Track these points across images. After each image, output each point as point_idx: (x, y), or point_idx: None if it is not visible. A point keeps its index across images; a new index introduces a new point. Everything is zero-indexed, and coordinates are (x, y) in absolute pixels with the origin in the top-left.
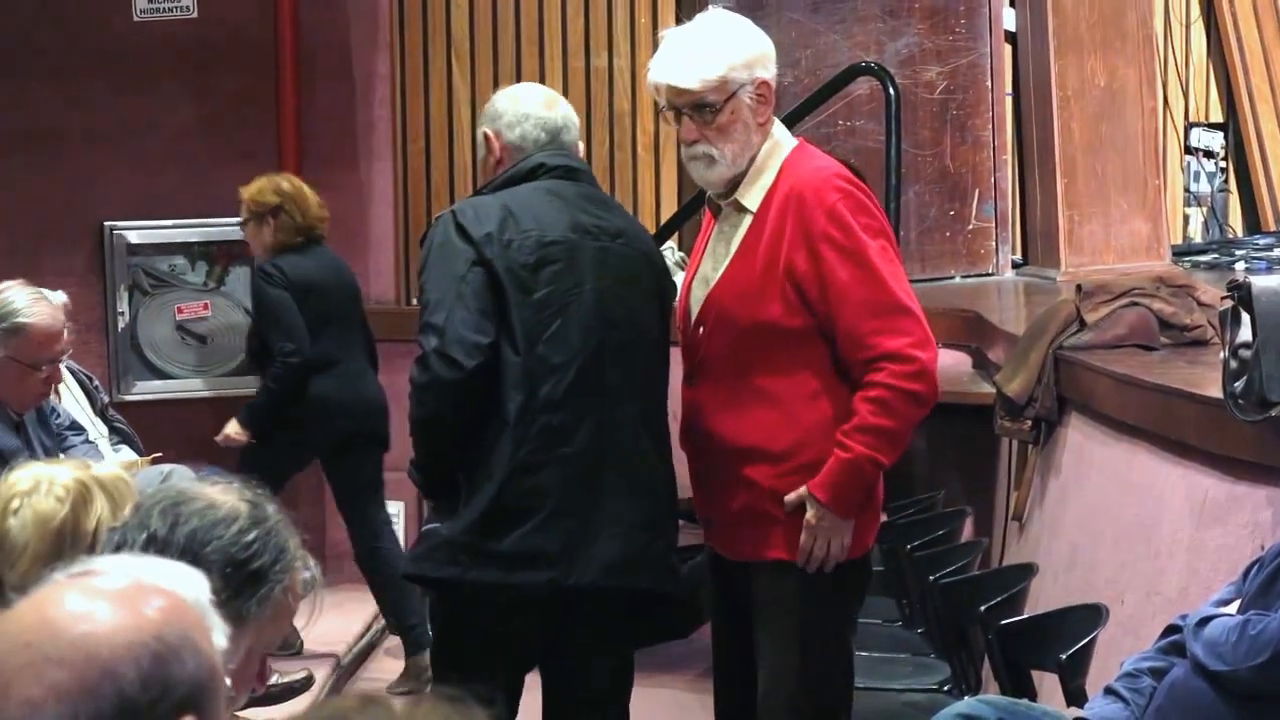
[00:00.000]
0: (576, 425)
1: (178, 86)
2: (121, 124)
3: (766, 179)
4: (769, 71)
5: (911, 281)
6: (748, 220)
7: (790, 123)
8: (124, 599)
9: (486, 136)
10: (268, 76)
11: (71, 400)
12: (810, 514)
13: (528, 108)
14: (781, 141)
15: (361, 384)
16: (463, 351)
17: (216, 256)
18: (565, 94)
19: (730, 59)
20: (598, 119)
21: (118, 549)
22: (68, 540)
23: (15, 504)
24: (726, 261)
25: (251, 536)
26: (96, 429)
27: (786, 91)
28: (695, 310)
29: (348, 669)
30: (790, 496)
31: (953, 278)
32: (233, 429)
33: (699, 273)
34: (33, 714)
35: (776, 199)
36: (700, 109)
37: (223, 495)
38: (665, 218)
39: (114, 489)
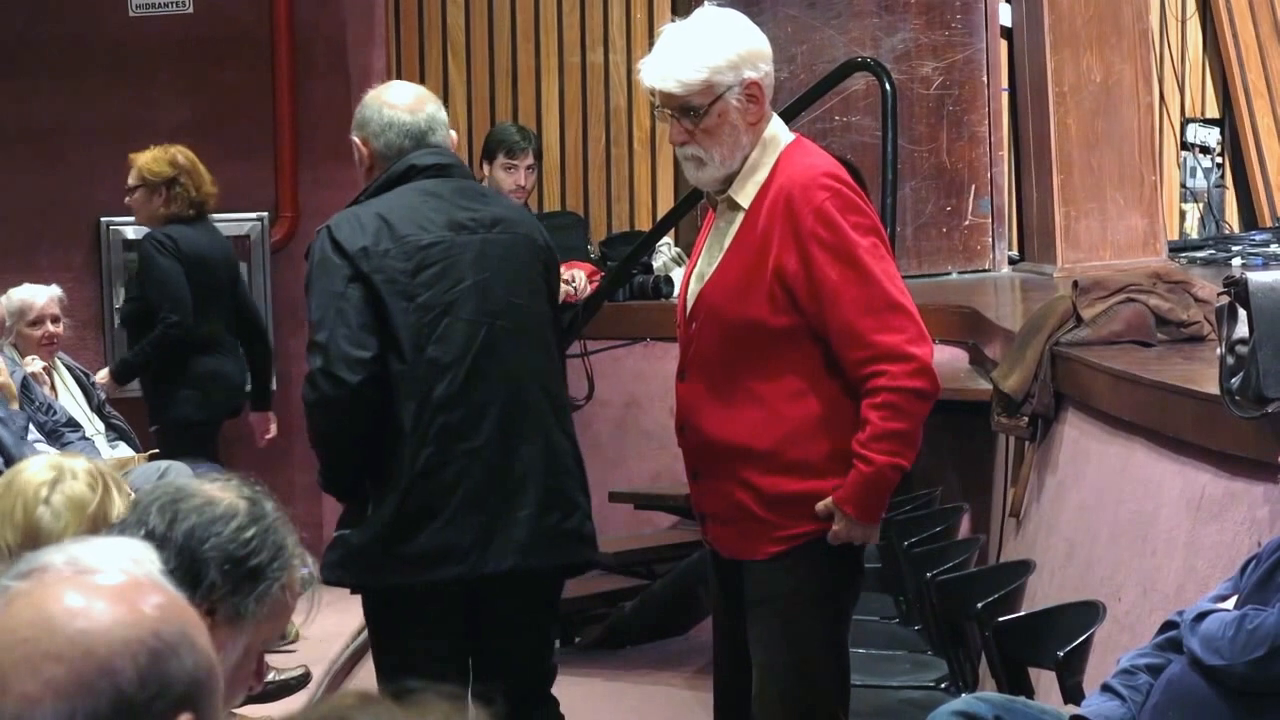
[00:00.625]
0: (479, 419)
1: (173, 81)
2: (118, 119)
3: (760, 176)
4: (759, 70)
5: (907, 277)
6: (740, 217)
7: (786, 118)
8: (122, 595)
9: (356, 144)
10: (264, 72)
11: (68, 396)
12: (838, 526)
13: (391, 115)
14: (778, 137)
15: (235, 362)
16: (346, 368)
17: None
18: (561, 89)
19: (713, 61)
20: (594, 115)
21: None
22: (100, 527)
23: (44, 492)
24: (719, 258)
25: (250, 534)
26: (93, 425)
27: (783, 87)
28: (690, 306)
29: (344, 666)
30: (819, 506)
31: (949, 274)
32: (102, 375)
33: (696, 269)
34: (30, 709)
35: (768, 197)
36: (686, 112)
37: (221, 492)
38: (661, 213)
39: (118, 482)
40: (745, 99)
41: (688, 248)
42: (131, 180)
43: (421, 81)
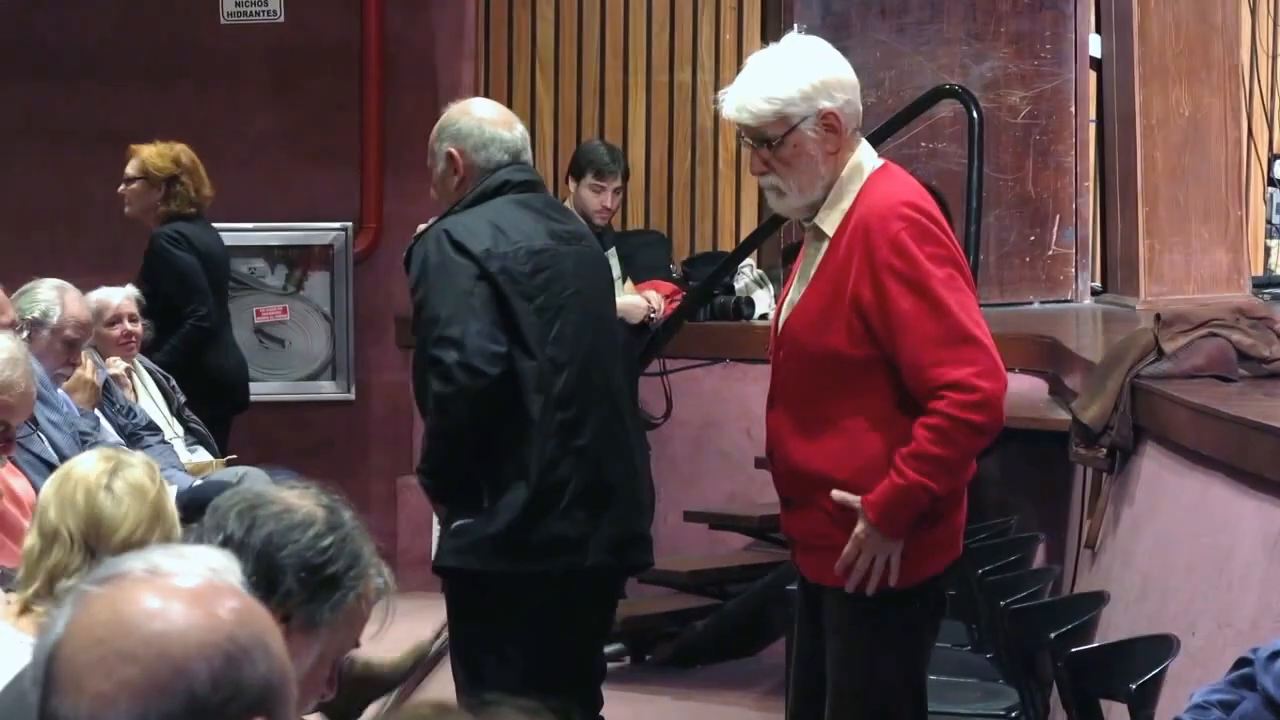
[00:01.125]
0: (585, 418)
1: (262, 90)
2: (205, 126)
3: (845, 204)
4: (835, 100)
5: (989, 306)
6: (825, 245)
7: (873, 143)
8: (198, 598)
9: (451, 155)
10: (352, 83)
11: (148, 399)
12: (859, 528)
13: (493, 132)
14: (864, 164)
15: (239, 357)
16: (484, 360)
17: (296, 261)
18: (647, 108)
19: (785, 93)
20: (680, 135)
21: None
22: (160, 514)
23: (105, 480)
24: (805, 288)
25: (327, 542)
26: (173, 429)
27: (869, 112)
28: (779, 334)
29: (415, 678)
30: (836, 494)
31: (1031, 303)
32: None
33: (789, 296)
34: (104, 709)
35: (850, 225)
36: (762, 142)
37: (299, 500)
38: (744, 234)
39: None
40: (822, 129)
41: (770, 270)
42: (131, 170)
43: (509, 97)
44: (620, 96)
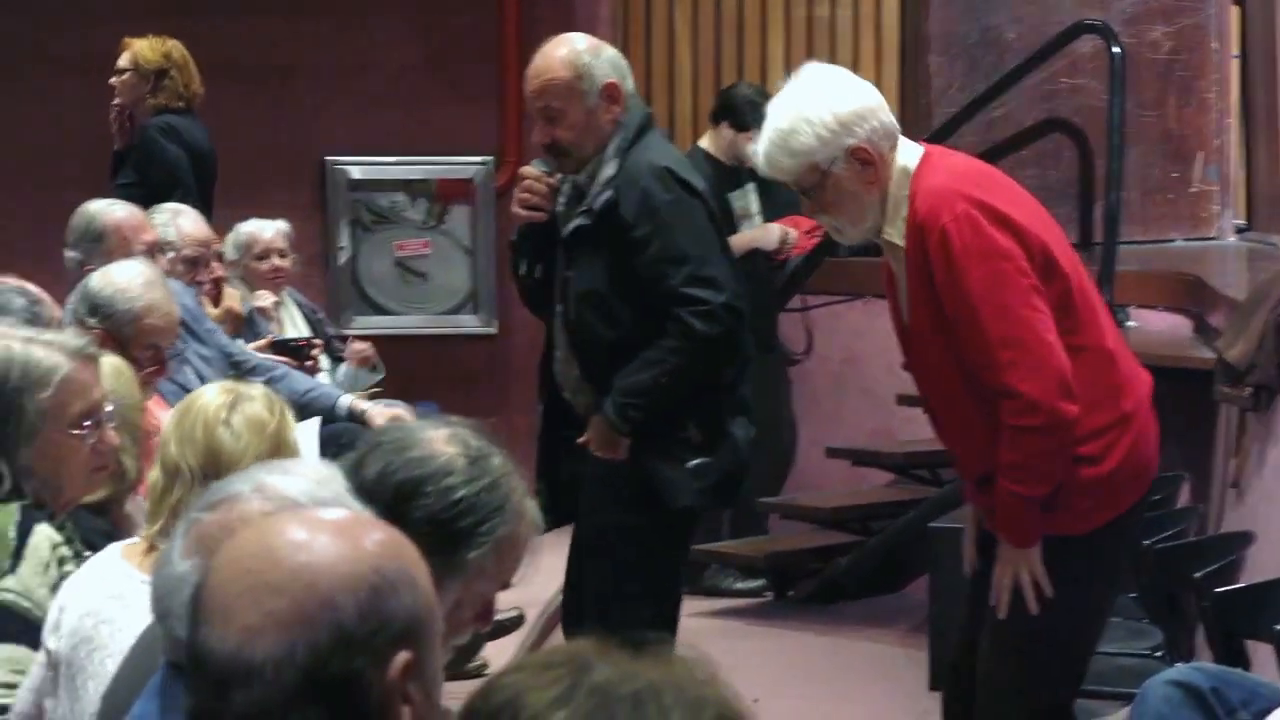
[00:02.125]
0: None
1: (402, 24)
2: (346, 60)
3: (904, 210)
4: (860, 133)
5: (1131, 244)
6: (903, 256)
7: (1012, 80)
8: (344, 531)
9: (613, 86)
10: (491, 16)
11: (294, 332)
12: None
13: (626, 63)
14: (908, 166)
15: None
16: (741, 301)
17: (437, 194)
18: (786, 43)
19: (809, 143)
20: None
21: None
22: (280, 447)
23: (223, 414)
24: (906, 301)
25: (459, 495)
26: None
27: (1010, 48)
28: (905, 345)
29: (559, 610)
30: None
31: (1174, 240)
32: None
33: (901, 306)
34: (252, 640)
35: (911, 233)
36: (804, 191)
37: (445, 445)
38: None
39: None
40: (856, 164)
41: None
42: (123, 62)
43: (647, 32)
44: (759, 32)
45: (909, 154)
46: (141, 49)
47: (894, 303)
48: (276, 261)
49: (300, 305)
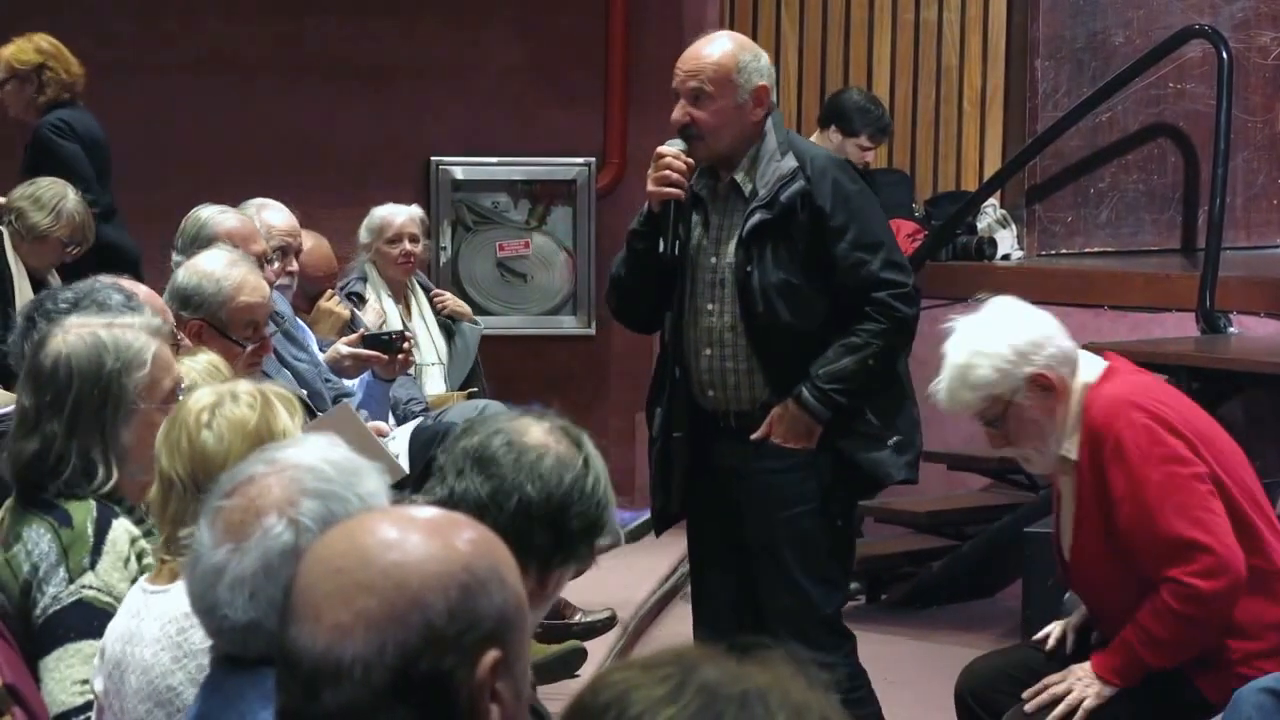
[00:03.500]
0: None
1: (509, 25)
2: (452, 60)
3: (1079, 425)
4: (1038, 360)
5: (1235, 249)
6: (1074, 471)
7: (1120, 84)
8: (435, 529)
9: (764, 90)
10: (598, 19)
11: (420, 319)
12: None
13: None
14: (1087, 380)
15: (127, 235)
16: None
17: (539, 195)
18: (892, 46)
19: (987, 376)
20: (925, 73)
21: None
22: (266, 442)
23: (205, 417)
24: (1070, 523)
25: (601, 494)
26: (437, 353)
27: (1117, 52)
28: (1070, 566)
29: (650, 612)
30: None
31: (1278, 247)
32: None
33: (1060, 519)
34: (342, 639)
35: (1086, 443)
36: (990, 423)
37: (559, 444)
38: (988, 174)
39: (288, 402)
40: (1037, 391)
41: (1013, 209)
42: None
43: (754, 33)
44: (865, 34)
45: (1090, 369)
46: (12, 54)
47: (1056, 526)
48: (407, 246)
49: (428, 290)
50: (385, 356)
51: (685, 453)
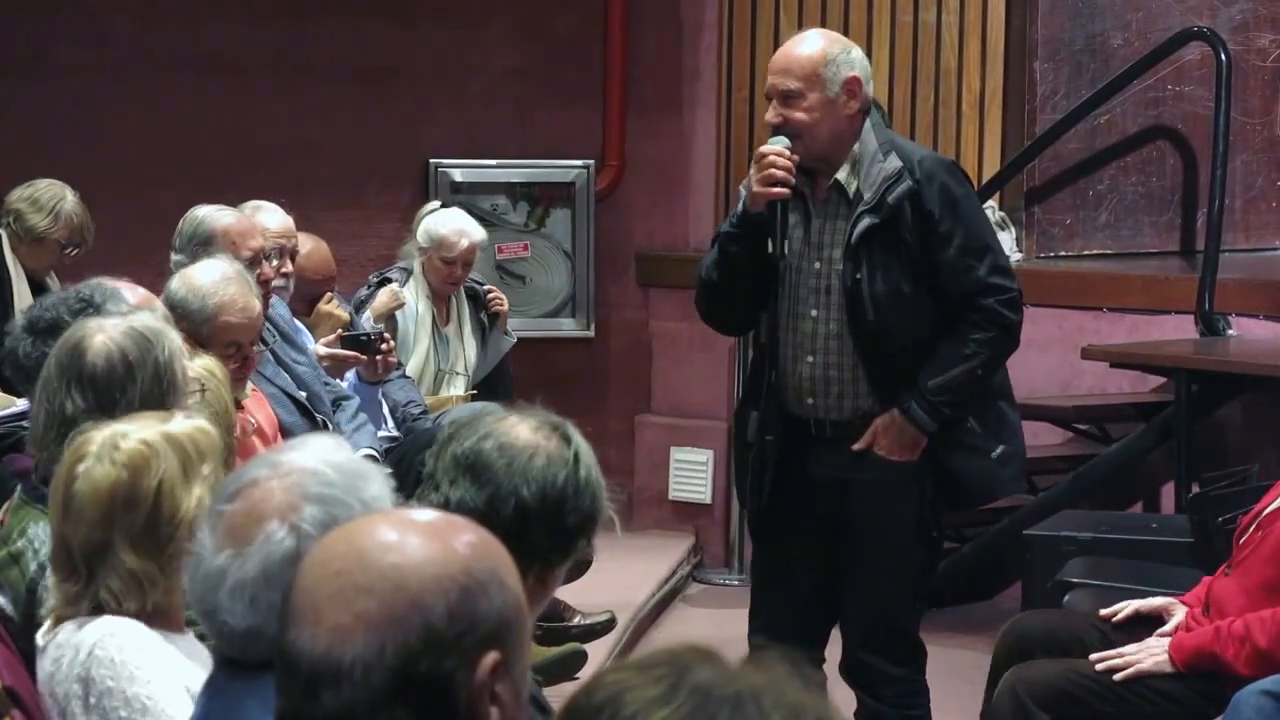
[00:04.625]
0: None
1: (507, 27)
2: (450, 63)
3: None
4: None
5: (1233, 251)
6: None
7: (1118, 87)
8: (434, 532)
9: (855, 80)
10: (596, 20)
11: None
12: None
13: (869, 66)
14: None
15: None
16: None
17: (538, 198)
18: (891, 48)
19: None
20: (923, 75)
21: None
22: (120, 505)
23: (80, 467)
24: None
25: (593, 489)
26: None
27: (1115, 54)
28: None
29: (650, 614)
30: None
31: (1276, 249)
32: None
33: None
34: (341, 641)
35: None
36: None
37: (548, 442)
38: (988, 176)
39: (187, 445)
40: None
41: (1012, 212)
42: None
43: (753, 35)
44: (864, 36)
45: None
46: None
47: (1262, 503)
48: (460, 272)
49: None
50: (364, 357)
51: (775, 458)
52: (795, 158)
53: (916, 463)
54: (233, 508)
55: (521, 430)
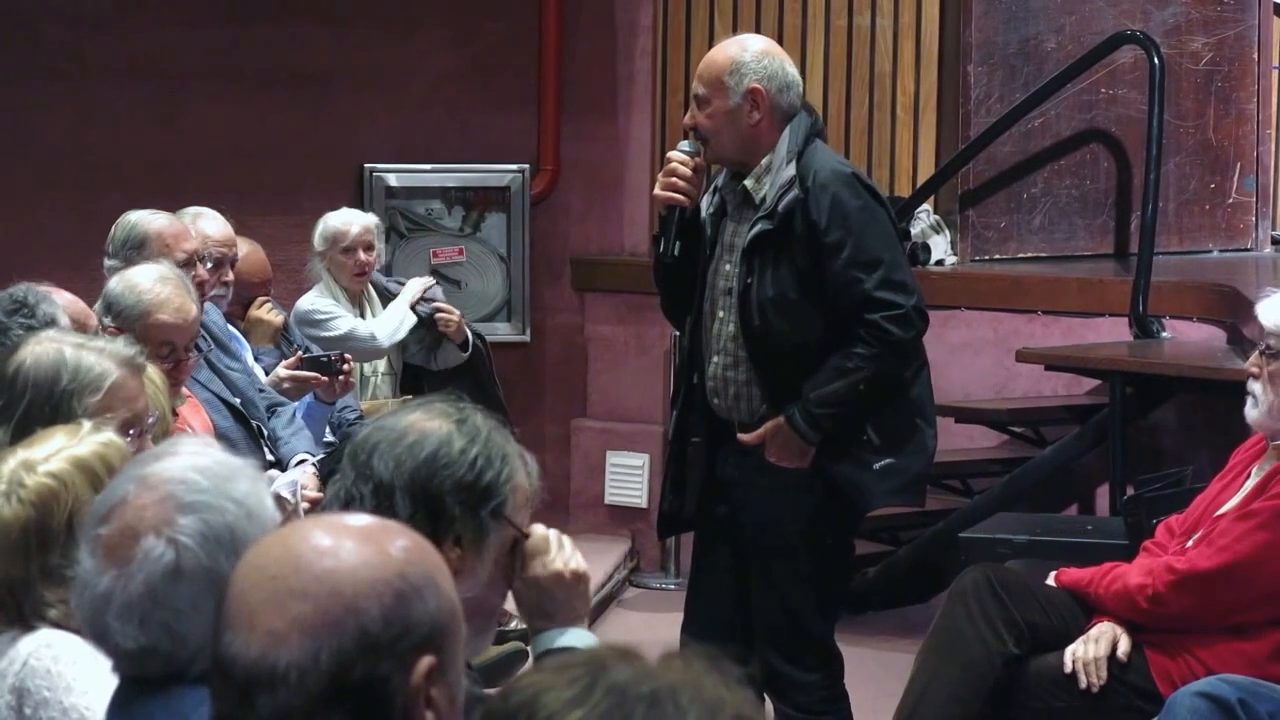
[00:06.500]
0: None
1: (441, 32)
2: (385, 67)
3: None
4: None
5: (1167, 254)
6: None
7: (1052, 90)
8: (369, 536)
9: (756, 92)
10: (531, 25)
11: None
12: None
13: (792, 74)
14: None
15: None
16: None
17: (474, 202)
18: (825, 52)
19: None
20: (858, 79)
21: (347, 504)
22: (33, 543)
23: None
24: (1239, 501)
25: (472, 454)
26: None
27: (1049, 57)
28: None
29: (590, 615)
30: None
31: (1210, 251)
32: None
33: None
34: (276, 645)
35: None
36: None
37: (430, 421)
38: (922, 179)
39: (96, 465)
40: None
41: (947, 215)
42: None
43: (687, 39)
44: (798, 40)
45: None
46: None
47: (1216, 493)
48: (362, 256)
49: (385, 296)
50: (325, 379)
51: (702, 459)
52: (700, 163)
53: (809, 469)
54: (108, 529)
55: (409, 418)
